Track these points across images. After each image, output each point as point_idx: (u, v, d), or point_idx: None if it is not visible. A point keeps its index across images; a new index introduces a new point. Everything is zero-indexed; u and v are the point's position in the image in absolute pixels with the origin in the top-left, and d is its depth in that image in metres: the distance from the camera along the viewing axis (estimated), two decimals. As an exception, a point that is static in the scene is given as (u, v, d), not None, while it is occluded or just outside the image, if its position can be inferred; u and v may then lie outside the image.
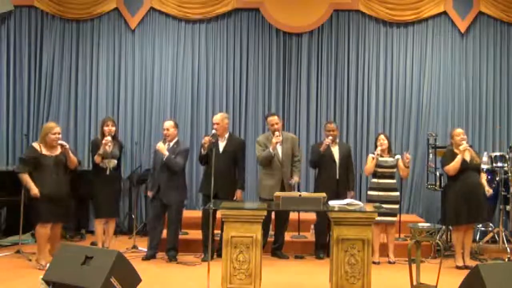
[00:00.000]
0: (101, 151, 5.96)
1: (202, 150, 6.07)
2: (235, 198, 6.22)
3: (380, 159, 6.21)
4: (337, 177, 6.32)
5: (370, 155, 6.34)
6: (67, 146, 5.74)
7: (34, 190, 5.51)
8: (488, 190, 6.04)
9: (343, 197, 5.95)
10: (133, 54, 8.07)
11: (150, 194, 6.25)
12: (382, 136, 6.36)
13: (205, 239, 5.99)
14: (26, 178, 5.59)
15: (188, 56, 8.06)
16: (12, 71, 8.03)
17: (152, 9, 8.05)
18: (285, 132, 6.70)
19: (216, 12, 8.00)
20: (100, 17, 8.07)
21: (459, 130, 6.12)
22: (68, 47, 8.05)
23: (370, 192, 6.29)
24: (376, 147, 6.30)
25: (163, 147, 6.06)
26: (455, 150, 5.95)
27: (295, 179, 6.34)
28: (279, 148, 6.28)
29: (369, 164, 6.25)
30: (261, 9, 7.97)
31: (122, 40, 8.09)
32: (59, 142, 5.67)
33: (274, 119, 6.33)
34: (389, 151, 6.35)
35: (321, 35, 8.02)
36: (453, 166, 5.91)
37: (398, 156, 6.39)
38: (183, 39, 8.08)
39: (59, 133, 5.73)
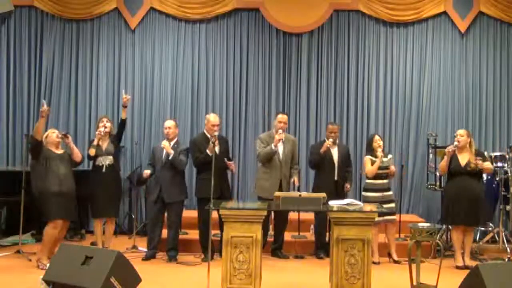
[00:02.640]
0: (95, 142, 6.02)
1: (210, 152, 5.82)
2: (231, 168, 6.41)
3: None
4: (336, 178, 6.32)
5: (368, 157, 6.26)
6: (69, 135, 5.86)
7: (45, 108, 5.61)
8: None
9: (342, 198, 5.95)
10: (133, 54, 8.07)
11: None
12: (377, 137, 6.32)
13: (204, 240, 5.98)
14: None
15: (188, 56, 8.06)
16: (12, 71, 8.03)
17: (152, 9, 8.04)
18: (287, 134, 6.73)
19: (216, 12, 8.00)
20: (100, 17, 8.07)
21: (458, 131, 6.11)
22: (68, 47, 8.06)
23: (365, 193, 6.24)
24: (371, 149, 6.25)
25: (168, 146, 6.07)
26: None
27: (295, 179, 6.43)
28: (280, 148, 6.30)
29: (372, 167, 6.15)
30: (261, 9, 7.97)
31: (122, 40, 8.09)
32: (62, 133, 5.78)
33: (284, 117, 6.39)
34: (383, 151, 6.34)
35: (321, 35, 8.01)
36: (440, 165, 6.02)
37: (390, 156, 6.41)
38: (183, 39, 8.08)
39: (59, 132, 5.84)
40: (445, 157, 5.93)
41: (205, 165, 5.89)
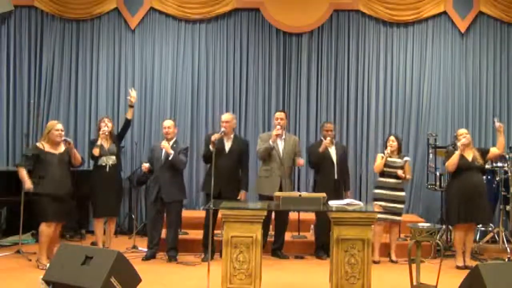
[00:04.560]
0: (98, 142, 6.03)
1: (211, 147, 5.88)
2: (239, 198, 6.20)
3: (389, 159, 6.23)
4: (336, 177, 6.34)
5: (380, 154, 6.38)
6: (72, 142, 5.82)
7: (28, 184, 5.55)
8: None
9: (342, 197, 5.97)
10: (133, 54, 8.08)
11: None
12: (392, 138, 6.37)
13: (205, 239, 5.98)
14: (22, 172, 5.63)
15: (188, 56, 8.07)
16: (12, 71, 8.03)
17: (152, 9, 8.05)
18: (288, 133, 6.77)
19: (216, 12, 8.00)
20: (100, 17, 8.08)
21: (460, 131, 6.12)
22: (68, 47, 8.06)
23: (376, 191, 6.30)
24: (386, 147, 6.32)
25: (168, 146, 6.06)
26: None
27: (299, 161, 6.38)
28: (280, 145, 6.31)
29: (378, 163, 6.28)
30: (261, 9, 7.98)
31: (122, 40, 8.09)
32: (64, 138, 5.72)
33: (281, 114, 6.43)
34: (399, 152, 6.36)
35: (321, 35, 8.02)
36: (451, 161, 5.91)
37: (406, 158, 6.39)
38: (183, 39, 8.08)
39: (62, 130, 5.77)
40: (456, 153, 5.87)
41: (211, 159, 5.73)
